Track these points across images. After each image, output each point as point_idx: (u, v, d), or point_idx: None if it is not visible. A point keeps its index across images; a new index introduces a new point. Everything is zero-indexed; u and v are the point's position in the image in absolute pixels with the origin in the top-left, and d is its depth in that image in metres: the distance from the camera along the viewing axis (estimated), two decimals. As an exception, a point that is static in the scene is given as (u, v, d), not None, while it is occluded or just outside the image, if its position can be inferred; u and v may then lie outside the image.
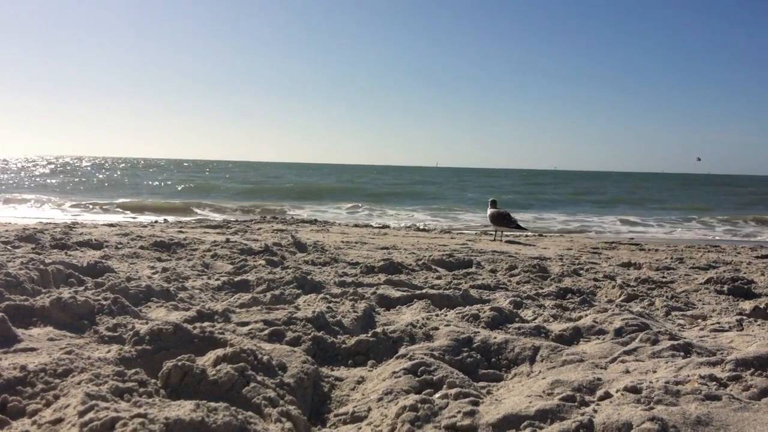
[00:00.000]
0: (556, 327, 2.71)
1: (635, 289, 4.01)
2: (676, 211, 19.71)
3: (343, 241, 6.88)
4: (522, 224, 9.14)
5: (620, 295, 3.74)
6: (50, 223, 8.01)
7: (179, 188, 26.79)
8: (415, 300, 3.28)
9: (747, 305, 3.44)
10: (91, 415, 1.36)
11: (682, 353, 2.20)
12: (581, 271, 4.88)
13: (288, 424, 1.57)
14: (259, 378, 1.76)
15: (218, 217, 13.02)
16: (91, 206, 15.58)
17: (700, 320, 3.12)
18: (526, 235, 9.56)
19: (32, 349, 2.04)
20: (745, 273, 5.00)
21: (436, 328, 2.52)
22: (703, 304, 3.66)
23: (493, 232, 9.26)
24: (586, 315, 2.94)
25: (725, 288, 4.03)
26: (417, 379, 1.93)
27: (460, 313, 2.90)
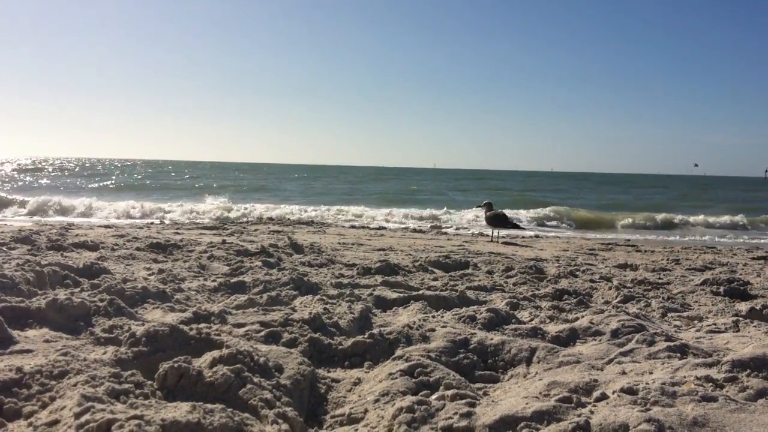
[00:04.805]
0: (552, 328, 2.72)
1: (631, 290, 4.01)
2: None
3: (339, 243, 6.87)
4: (521, 224, 9.13)
5: (616, 297, 3.74)
6: (46, 225, 7.98)
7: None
8: (411, 301, 3.28)
9: (743, 306, 3.45)
10: (87, 416, 1.36)
11: (678, 354, 2.21)
12: (578, 273, 4.89)
13: (284, 426, 1.57)
14: (255, 379, 1.76)
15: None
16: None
17: (696, 321, 3.12)
18: (523, 237, 9.58)
19: (28, 351, 2.03)
20: (741, 274, 5.02)
21: (433, 330, 2.52)
22: (700, 305, 3.67)
23: (489, 234, 9.28)
24: (583, 316, 2.94)
25: (721, 289, 4.04)
26: (413, 380, 1.93)
27: (456, 314, 2.89)
